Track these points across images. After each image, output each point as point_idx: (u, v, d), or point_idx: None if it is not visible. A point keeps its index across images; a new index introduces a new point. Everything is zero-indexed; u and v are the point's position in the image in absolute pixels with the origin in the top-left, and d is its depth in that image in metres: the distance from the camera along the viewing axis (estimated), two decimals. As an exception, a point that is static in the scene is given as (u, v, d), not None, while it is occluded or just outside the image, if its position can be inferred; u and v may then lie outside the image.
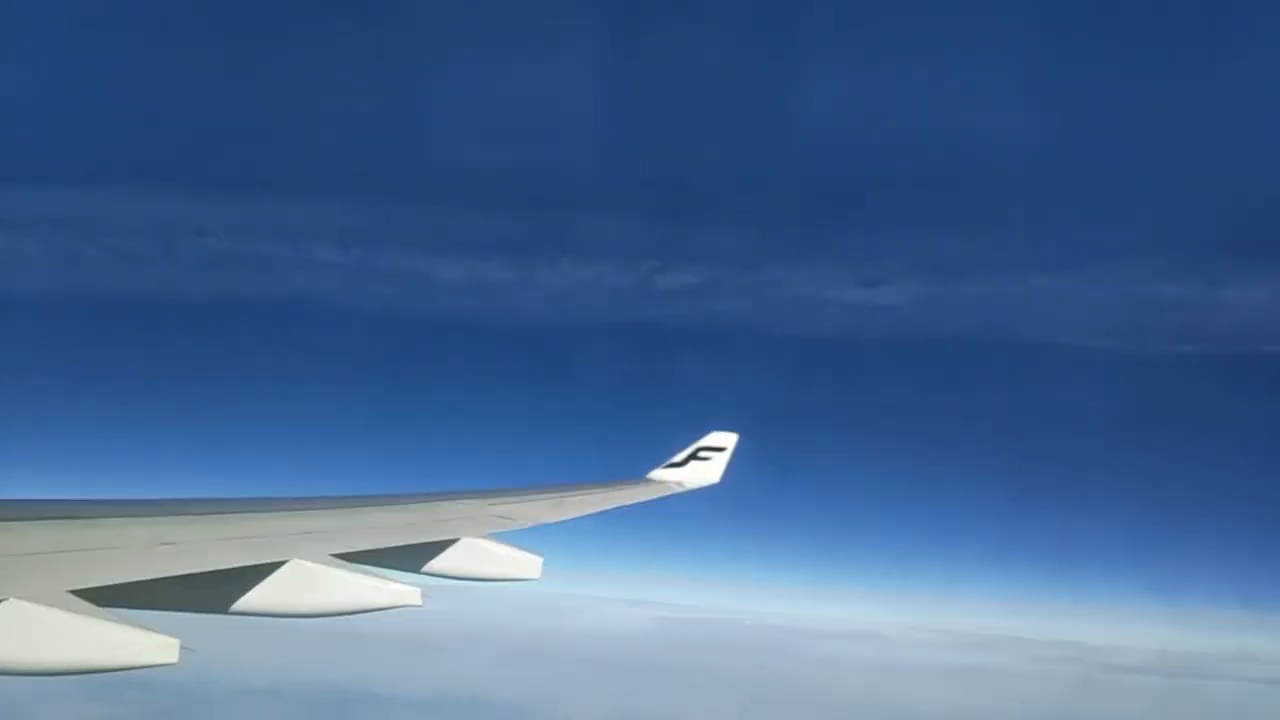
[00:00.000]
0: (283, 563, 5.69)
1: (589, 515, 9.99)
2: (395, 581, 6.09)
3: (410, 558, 7.00)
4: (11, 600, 4.16)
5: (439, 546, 7.21)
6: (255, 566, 5.62)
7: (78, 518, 5.48)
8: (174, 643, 4.31)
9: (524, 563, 7.42)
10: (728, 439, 14.00)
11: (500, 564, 7.39)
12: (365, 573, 6.02)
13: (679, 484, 13.18)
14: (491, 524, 8.00)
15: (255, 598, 5.61)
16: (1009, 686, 52.10)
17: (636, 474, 13.34)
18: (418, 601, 5.99)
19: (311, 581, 5.72)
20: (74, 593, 4.42)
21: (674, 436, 14.03)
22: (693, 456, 13.66)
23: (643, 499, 12.09)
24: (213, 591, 5.52)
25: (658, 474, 13.40)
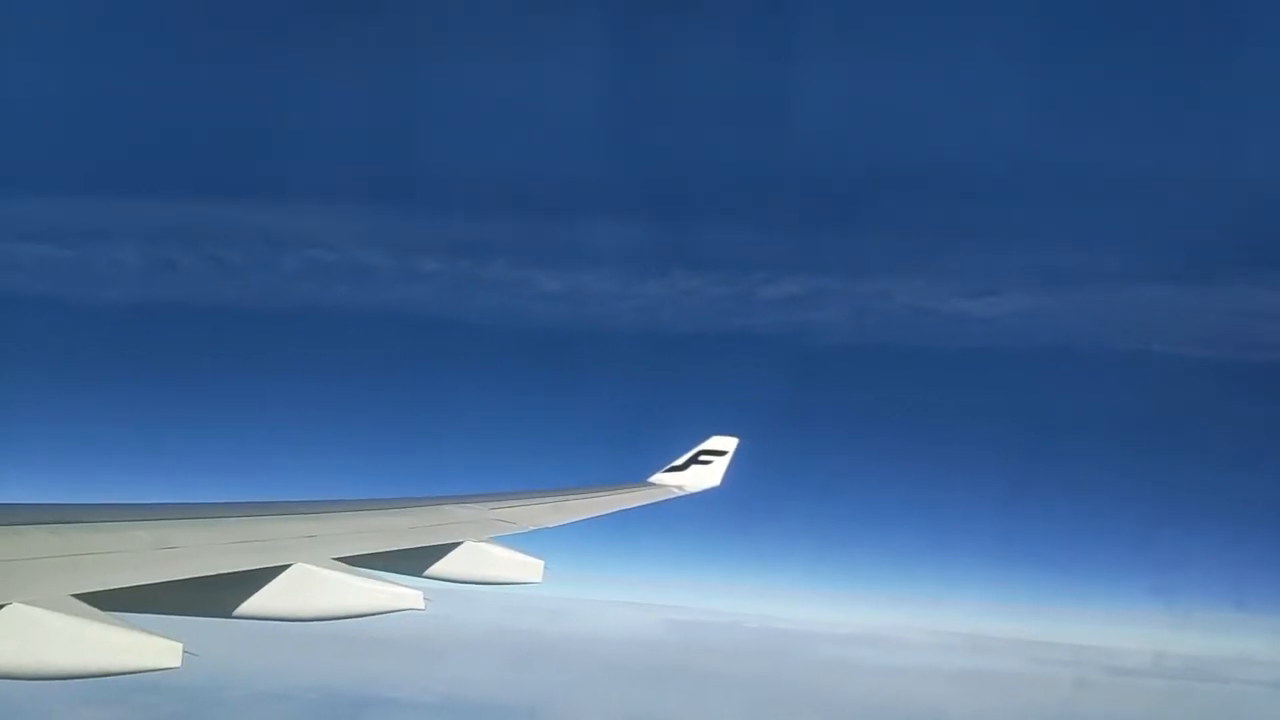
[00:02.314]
0: (286, 566, 5.70)
1: (590, 519, 10.01)
2: (398, 585, 6.11)
3: (413, 561, 7.02)
4: (14, 604, 4.16)
5: (441, 550, 7.22)
6: (258, 570, 5.63)
7: (80, 522, 5.48)
8: (177, 646, 4.32)
9: (526, 566, 7.44)
10: (728, 443, 14.03)
11: (502, 567, 7.40)
12: (368, 576, 6.04)
13: (680, 488, 13.21)
14: (493, 528, 8.01)
15: (258, 601, 5.62)
16: (1009, 688, 52.07)
17: (637, 478, 13.37)
18: (420, 605, 6.00)
19: (314, 585, 5.73)
20: (77, 597, 4.43)
21: (676, 441, 14.07)
22: (693, 460, 13.68)
23: (644, 502, 12.12)
24: (216, 595, 5.53)
25: (659, 478, 13.42)
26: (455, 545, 7.27)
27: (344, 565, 6.00)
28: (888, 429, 55.69)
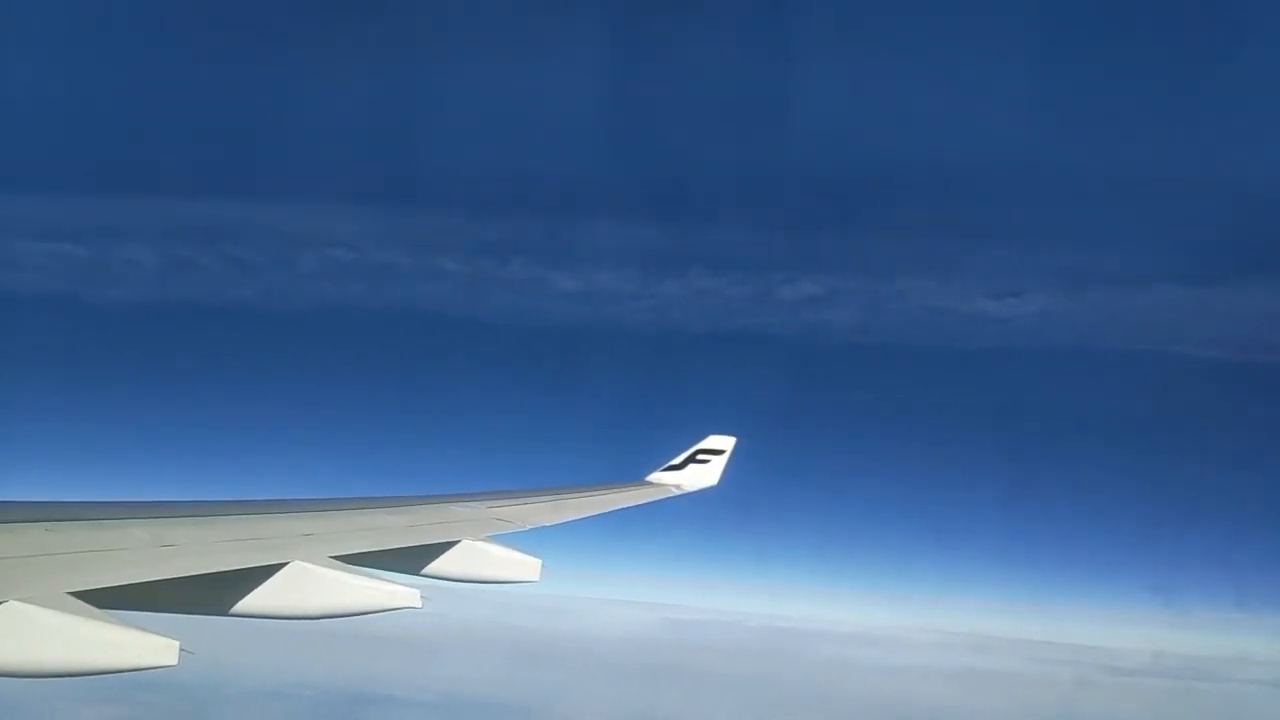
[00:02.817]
0: (283, 565, 5.71)
1: (588, 517, 10.02)
2: (395, 583, 6.12)
3: (410, 560, 7.03)
4: (11, 602, 4.17)
5: (439, 549, 7.23)
6: (256, 568, 5.64)
7: (78, 519, 5.49)
8: (174, 644, 4.33)
9: (523, 565, 7.46)
10: (726, 442, 14.03)
11: (500, 566, 7.42)
12: (365, 575, 6.05)
13: (677, 486, 13.21)
14: (491, 526, 8.02)
15: (256, 600, 5.63)
16: (1009, 688, 52.12)
17: (635, 477, 13.38)
18: (417, 603, 6.02)
19: (312, 583, 5.74)
20: (74, 595, 4.44)
21: (675, 439, 14.08)
22: (691, 459, 13.69)
23: (641, 501, 12.13)
24: (213, 593, 5.54)
25: (656, 476, 13.42)
26: (453, 544, 7.28)
27: (341, 563, 6.02)
28: (887, 428, 55.69)
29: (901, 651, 58.72)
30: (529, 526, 8.52)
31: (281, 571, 5.69)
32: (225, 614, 5.65)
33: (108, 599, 4.51)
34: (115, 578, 4.79)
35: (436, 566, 7.20)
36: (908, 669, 54.41)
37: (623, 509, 11.14)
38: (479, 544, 7.41)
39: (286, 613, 5.72)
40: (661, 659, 52.31)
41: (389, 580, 6.14)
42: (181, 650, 4.32)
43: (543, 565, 7.50)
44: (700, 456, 13.74)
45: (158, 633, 4.39)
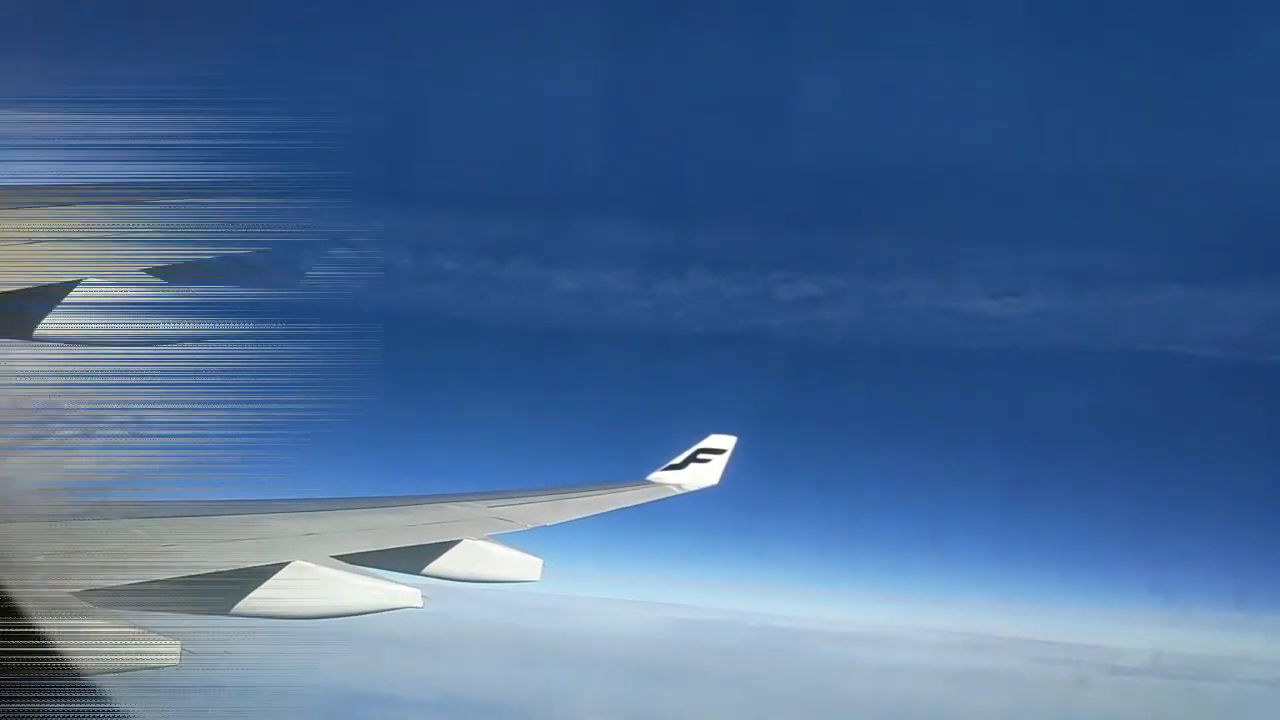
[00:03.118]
0: (284, 564, 5.71)
1: (588, 517, 10.00)
2: (396, 583, 6.12)
3: (411, 559, 7.02)
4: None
5: (440, 548, 7.23)
6: (257, 568, 5.64)
7: (79, 520, 5.49)
8: (175, 644, 4.33)
9: (524, 564, 7.46)
10: (726, 441, 13.99)
11: (501, 565, 7.42)
12: (366, 574, 6.05)
13: (678, 486, 13.18)
14: (492, 526, 8.01)
15: (257, 599, 5.62)
16: (1008, 687, 52.10)
17: (635, 476, 13.35)
18: (419, 603, 6.02)
19: (313, 583, 5.74)
20: (75, 595, 4.44)
21: (675, 439, 14.03)
22: (692, 459, 13.66)
23: (642, 501, 12.11)
24: (215, 593, 5.53)
25: (657, 476, 13.39)
26: (454, 543, 7.27)
27: (342, 563, 6.01)
28: (887, 428, 55.60)
29: (901, 651, 58.67)
30: (530, 526, 8.51)
31: (283, 571, 5.69)
32: (226, 614, 5.64)
33: (109, 599, 4.51)
34: (115, 578, 4.78)
35: (438, 566, 7.19)
36: (908, 669, 54.37)
37: (623, 508, 11.12)
38: (480, 543, 7.40)
39: (288, 612, 5.72)
40: (662, 658, 52.27)
41: (390, 580, 6.14)
42: (183, 650, 4.32)
43: (544, 565, 7.50)
44: (701, 456, 13.70)
45: (159, 633, 4.39)
